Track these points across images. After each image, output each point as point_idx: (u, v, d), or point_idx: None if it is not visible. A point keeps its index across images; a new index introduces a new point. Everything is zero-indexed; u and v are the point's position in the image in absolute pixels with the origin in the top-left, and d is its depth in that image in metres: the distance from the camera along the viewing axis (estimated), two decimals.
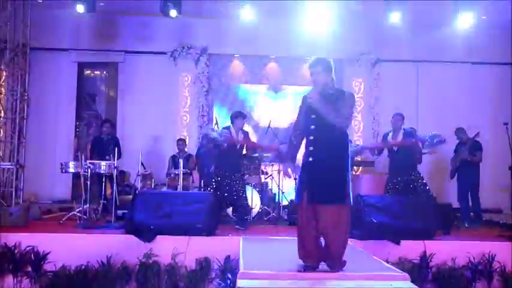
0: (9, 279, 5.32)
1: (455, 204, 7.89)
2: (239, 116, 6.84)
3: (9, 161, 7.54)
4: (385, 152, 7.11)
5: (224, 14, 8.92)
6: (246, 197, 6.82)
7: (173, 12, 8.32)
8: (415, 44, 9.55)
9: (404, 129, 6.80)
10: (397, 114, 6.90)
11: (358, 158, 9.51)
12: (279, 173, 7.99)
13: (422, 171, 6.86)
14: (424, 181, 6.68)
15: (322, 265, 3.96)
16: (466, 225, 7.54)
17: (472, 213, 7.80)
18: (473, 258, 5.53)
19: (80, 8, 8.36)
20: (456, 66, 9.78)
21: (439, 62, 9.76)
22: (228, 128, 6.79)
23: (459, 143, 8.00)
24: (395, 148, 6.81)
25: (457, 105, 9.62)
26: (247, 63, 9.99)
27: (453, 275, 5.42)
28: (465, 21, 8.59)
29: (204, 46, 9.65)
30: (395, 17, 8.59)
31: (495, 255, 5.54)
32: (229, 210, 7.25)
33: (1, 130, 7.79)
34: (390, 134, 6.96)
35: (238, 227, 6.54)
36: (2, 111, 7.70)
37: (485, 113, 9.50)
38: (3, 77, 7.71)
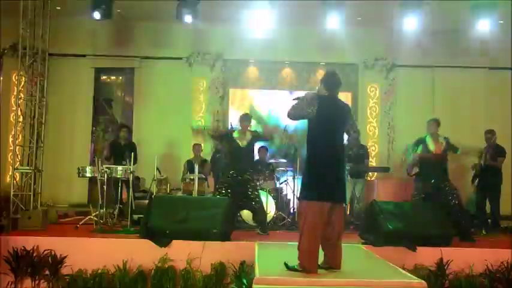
0: (28, 282, 5.40)
1: (472, 209, 7.80)
2: (244, 117, 6.97)
3: (28, 166, 7.64)
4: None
5: (239, 19, 8.96)
6: (261, 201, 6.82)
7: (189, 18, 8.38)
8: (431, 49, 9.48)
9: (445, 138, 6.62)
10: (435, 119, 6.70)
11: (373, 163, 9.49)
12: (293, 178, 7.99)
13: None
14: (454, 186, 6.55)
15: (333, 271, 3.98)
16: (484, 232, 7.44)
17: (489, 220, 7.70)
18: (491, 265, 5.45)
19: (97, 15, 8.46)
20: (472, 72, 9.69)
21: (455, 67, 9.67)
22: (232, 130, 6.99)
23: (485, 148, 7.85)
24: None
25: (473, 111, 9.52)
26: (262, 68, 10.01)
27: (470, 282, 5.36)
28: (482, 25, 8.51)
29: (219, 52, 9.71)
30: (410, 22, 8.54)
31: None
32: (244, 215, 7.26)
33: (20, 135, 7.89)
34: (429, 141, 6.65)
35: (259, 232, 6.57)
36: (21, 117, 7.82)
37: (503, 119, 9.37)
38: (22, 83, 7.82)
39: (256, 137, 7.02)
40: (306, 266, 3.93)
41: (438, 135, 6.65)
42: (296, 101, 4.15)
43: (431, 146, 6.62)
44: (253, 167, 7.21)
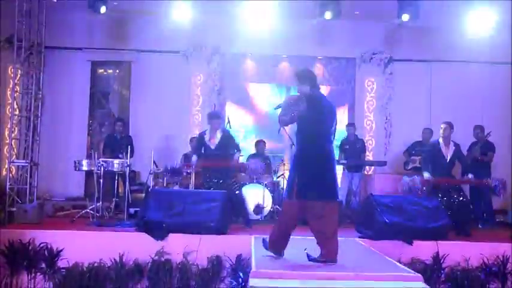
0: (24, 276, 5.40)
1: None
2: (215, 116, 6.78)
3: (24, 159, 7.61)
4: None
5: (236, 13, 8.92)
6: (241, 194, 6.71)
7: (185, 12, 8.33)
8: (429, 44, 9.46)
9: (454, 142, 6.66)
10: (448, 123, 6.72)
11: (370, 157, 9.50)
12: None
13: None
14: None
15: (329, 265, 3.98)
16: (480, 226, 7.47)
17: (484, 214, 7.73)
18: (487, 259, 5.48)
19: (94, 8, 8.40)
20: (470, 66, 9.66)
21: (453, 61, 9.66)
22: (203, 133, 6.80)
23: (472, 143, 7.93)
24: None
25: (470, 106, 9.50)
26: (259, 62, 9.97)
27: (466, 276, 5.39)
28: (479, 20, 8.50)
29: (216, 45, 9.67)
30: (408, 16, 8.53)
31: (509, 256, 5.49)
32: None
33: (15, 128, 7.86)
34: (441, 142, 6.71)
35: (243, 225, 6.56)
36: (17, 110, 7.78)
37: (499, 113, 9.37)
38: (18, 76, 7.78)
39: (227, 136, 6.72)
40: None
41: (450, 139, 6.67)
42: (280, 108, 4.16)
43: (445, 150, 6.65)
44: (228, 170, 6.71)
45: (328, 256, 4.10)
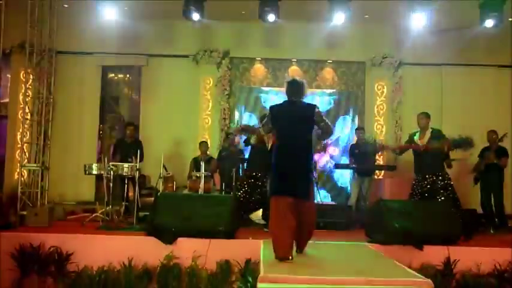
0: (34, 279, 5.42)
1: (479, 210, 7.74)
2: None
3: (35, 163, 7.68)
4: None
5: (246, 17, 8.94)
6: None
7: (195, 16, 8.37)
8: (439, 47, 9.41)
9: (432, 128, 6.71)
10: (422, 113, 6.82)
11: (380, 162, 9.44)
12: None
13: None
14: (451, 183, 6.57)
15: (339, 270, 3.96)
16: (492, 231, 7.38)
17: (496, 219, 7.64)
18: (499, 265, 5.40)
19: (105, 13, 8.47)
20: (481, 69, 9.60)
21: (464, 65, 9.60)
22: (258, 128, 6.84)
23: (484, 148, 7.86)
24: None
25: (481, 109, 9.43)
26: (268, 66, 9.99)
27: (478, 282, 5.31)
28: (490, 23, 8.44)
29: (226, 49, 9.70)
30: (418, 20, 8.49)
31: None
32: (253, 214, 7.22)
33: (27, 132, 7.95)
34: (417, 134, 6.84)
35: (267, 230, 6.55)
36: (29, 114, 7.86)
37: (510, 117, 9.28)
38: (30, 80, 7.87)
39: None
40: (277, 254, 4.30)
41: (428, 128, 6.75)
42: (262, 124, 4.94)
43: (417, 138, 6.78)
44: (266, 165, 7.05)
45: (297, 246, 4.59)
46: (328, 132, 4.73)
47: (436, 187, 6.54)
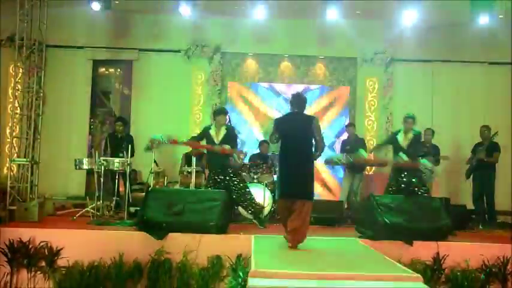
0: (24, 274, 5.40)
1: (470, 205, 7.81)
2: (221, 112, 6.72)
3: (25, 157, 7.61)
4: None
5: (238, 12, 8.91)
6: (249, 193, 6.66)
7: (187, 11, 8.33)
8: (430, 44, 9.45)
9: (414, 130, 6.56)
10: (408, 116, 6.58)
11: (372, 158, 9.47)
12: None
13: (438, 171, 6.77)
14: (426, 186, 6.47)
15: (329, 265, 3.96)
16: (481, 227, 7.45)
17: (486, 215, 7.72)
18: (488, 260, 5.47)
19: (96, 6, 8.41)
20: (471, 66, 9.66)
21: (454, 62, 9.65)
22: (209, 126, 6.75)
23: (477, 144, 7.91)
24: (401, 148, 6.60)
25: (472, 106, 9.51)
26: (260, 61, 9.97)
27: (466, 277, 5.37)
28: (481, 20, 8.49)
29: (217, 44, 9.67)
30: (410, 16, 8.52)
31: (509, 257, 5.48)
32: (241, 208, 7.23)
33: (17, 126, 7.87)
34: (401, 134, 6.63)
35: (256, 223, 6.60)
36: (18, 108, 7.78)
37: (501, 114, 9.35)
38: (20, 74, 7.78)
39: (231, 134, 6.70)
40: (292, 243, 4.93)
41: (411, 129, 6.52)
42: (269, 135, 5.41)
43: (400, 138, 6.56)
44: (227, 160, 6.64)
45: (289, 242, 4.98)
46: (319, 147, 5.12)
47: (410, 188, 6.41)
